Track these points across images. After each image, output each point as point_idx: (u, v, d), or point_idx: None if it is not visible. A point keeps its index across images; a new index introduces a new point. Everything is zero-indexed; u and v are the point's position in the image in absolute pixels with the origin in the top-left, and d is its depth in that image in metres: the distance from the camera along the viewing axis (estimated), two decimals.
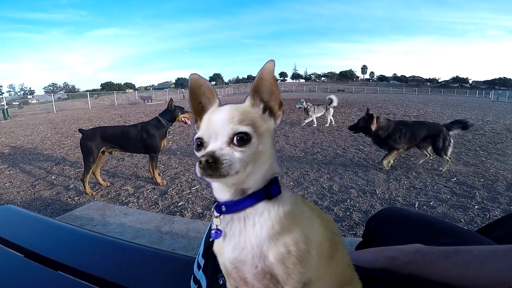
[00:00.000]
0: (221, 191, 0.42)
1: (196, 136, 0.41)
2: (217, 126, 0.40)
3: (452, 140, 4.28)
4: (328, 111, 9.09)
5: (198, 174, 0.37)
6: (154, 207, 3.17)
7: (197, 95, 0.46)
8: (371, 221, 0.95)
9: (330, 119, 9.15)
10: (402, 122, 4.42)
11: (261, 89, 0.43)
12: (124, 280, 0.82)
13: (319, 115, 9.09)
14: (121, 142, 3.76)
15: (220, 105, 0.45)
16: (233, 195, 0.41)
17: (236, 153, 0.38)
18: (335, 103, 9.14)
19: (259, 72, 0.41)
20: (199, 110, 0.46)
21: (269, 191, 0.41)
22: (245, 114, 0.41)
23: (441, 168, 4.26)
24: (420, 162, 4.61)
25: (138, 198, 3.43)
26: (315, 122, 8.93)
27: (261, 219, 0.39)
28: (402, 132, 4.28)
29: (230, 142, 0.38)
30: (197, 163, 0.36)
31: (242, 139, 0.38)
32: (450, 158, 4.27)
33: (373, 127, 4.28)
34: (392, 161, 4.40)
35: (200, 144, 0.41)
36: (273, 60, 0.40)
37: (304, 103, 8.86)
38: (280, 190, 0.42)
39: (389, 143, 4.31)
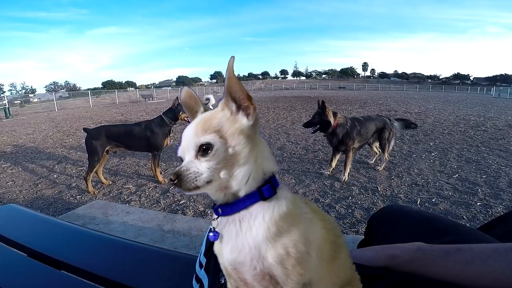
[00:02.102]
0: (214, 195, 0.43)
1: (178, 153, 0.43)
2: (186, 141, 0.41)
3: (395, 133, 4.16)
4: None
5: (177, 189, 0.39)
6: (156, 206, 3.18)
7: (190, 106, 0.48)
8: (373, 218, 0.95)
9: None
10: (356, 118, 4.00)
11: (231, 89, 0.42)
12: (127, 279, 0.82)
13: None
14: (125, 140, 3.77)
15: (202, 113, 0.46)
16: (226, 199, 0.42)
17: (203, 164, 0.39)
18: (212, 102, 7.30)
19: (226, 72, 0.41)
20: None
21: (263, 192, 0.41)
22: (208, 123, 0.41)
23: (378, 168, 4.16)
24: (372, 161, 4.47)
25: (140, 197, 3.44)
26: None
27: (256, 222, 0.39)
28: (358, 129, 3.87)
29: (197, 154, 0.40)
30: None
31: (205, 148, 0.39)
32: (388, 156, 4.17)
33: (331, 120, 3.68)
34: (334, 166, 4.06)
35: (181, 159, 0.43)
36: (233, 56, 0.40)
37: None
38: (275, 191, 0.41)
39: (347, 142, 3.80)
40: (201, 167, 0.39)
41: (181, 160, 0.42)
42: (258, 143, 0.42)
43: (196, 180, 0.38)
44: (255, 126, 0.42)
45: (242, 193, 0.41)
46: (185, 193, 0.39)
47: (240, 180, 0.40)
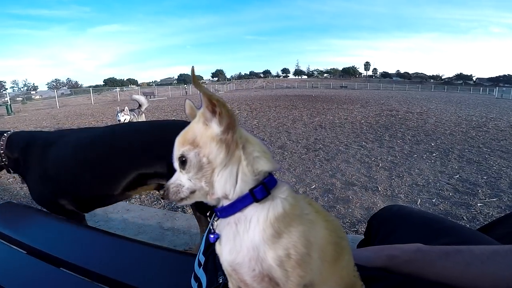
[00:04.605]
0: (208, 201, 0.44)
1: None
2: (173, 155, 0.43)
3: None
4: (140, 118, 6.40)
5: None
6: (156, 203, 3.18)
7: (193, 117, 0.48)
8: (373, 218, 0.95)
9: None
10: None
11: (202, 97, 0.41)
12: (126, 277, 0.82)
13: None
14: None
15: None
16: (220, 204, 0.42)
17: (184, 176, 0.42)
18: (145, 106, 6.60)
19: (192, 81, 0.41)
20: None
21: (255, 194, 0.40)
22: (185, 135, 0.43)
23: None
24: None
25: (140, 194, 3.44)
26: None
27: (252, 225, 0.39)
28: None
29: (180, 167, 0.42)
30: None
31: (182, 162, 0.41)
32: None
33: None
34: None
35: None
36: (193, 66, 0.43)
37: (122, 114, 5.78)
38: (269, 192, 0.40)
39: None
40: (183, 179, 0.42)
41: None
42: (240, 145, 0.41)
43: (179, 192, 0.41)
44: (230, 129, 0.41)
45: (232, 197, 0.41)
46: (177, 204, 0.43)
47: (224, 185, 0.40)
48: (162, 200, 0.51)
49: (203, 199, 0.43)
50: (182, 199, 0.42)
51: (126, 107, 5.85)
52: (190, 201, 0.42)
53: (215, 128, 0.41)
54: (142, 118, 6.37)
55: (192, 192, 0.41)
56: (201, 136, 0.41)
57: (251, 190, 0.40)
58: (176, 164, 0.42)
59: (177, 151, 0.42)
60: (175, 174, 0.43)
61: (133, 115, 6.05)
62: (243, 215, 0.40)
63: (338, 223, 0.47)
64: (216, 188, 0.41)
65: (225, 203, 0.42)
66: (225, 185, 0.41)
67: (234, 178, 0.40)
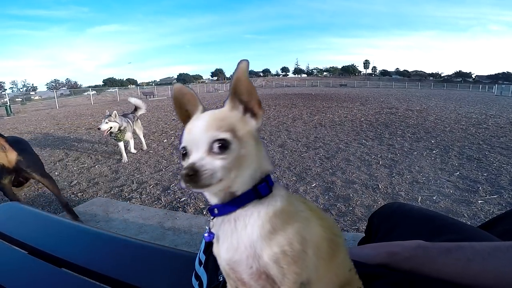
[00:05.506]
0: (211, 196, 0.42)
1: (181, 146, 0.41)
2: (196, 135, 0.40)
3: None
4: (136, 124, 5.61)
5: (183, 186, 0.37)
6: (156, 203, 3.18)
7: (182, 103, 0.46)
8: (374, 216, 0.95)
9: (141, 141, 5.81)
10: None
11: (239, 91, 0.42)
12: (127, 276, 0.82)
13: (129, 134, 5.24)
14: None
15: (203, 111, 0.45)
16: (222, 199, 0.41)
17: (217, 161, 0.38)
18: (142, 111, 5.95)
19: (235, 74, 0.41)
20: (186, 118, 0.46)
21: (259, 190, 0.41)
22: (223, 120, 0.40)
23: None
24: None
25: (141, 194, 3.44)
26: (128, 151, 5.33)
27: (251, 220, 0.39)
28: None
29: (210, 151, 0.38)
30: (180, 176, 0.37)
31: (221, 146, 0.38)
32: None
33: None
34: None
35: (184, 154, 0.41)
36: (247, 60, 0.40)
37: (106, 120, 4.77)
38: (271, 189, 0.41)
39: None
40: (215, 165, 0.38)
41: (184, 153, 0.41)
42: (260, 144, 0.43)
43: (212, 178, 0.37)
44: (258, 128, 0.43)
45: (239, 192, 0.41)
46: (194, 190, 0.38)
47: (243, 180, 0.40)
48: (183, 184, 0.39)
49: (217, 190, 0.40)
50: (209, 185, 0.37)
51: (115, 112, 4.90)
52: (211, 190, 0.39)
53: (253, 124, 0.42)
54: (138, 124, 5.71)
55: (220, 180, 0.38)
56: (240, 128, 0.40)
57: (255, 187, 0.41)
58: (202, 146, 0.39)
59: (213, 133, 0.39)
60: (199, 157, 0.38)
61: (126, 121, 5.10)
62: (243, 211, 0.40)
63: (332, 220, 0.47)
64: (238, 181, 0.40)
65: (227, 198, 0.41)
66: (245, 180, 0.40)
67: (251, 175, 0.41)
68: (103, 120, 4.75)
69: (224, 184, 0.39)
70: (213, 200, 0.42)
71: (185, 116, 0.46)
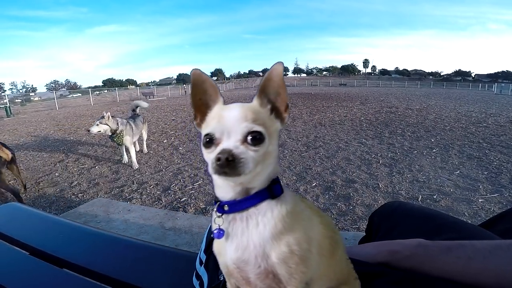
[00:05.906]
0: (225, 190, 0.41)
1: (206, 132, 0.40)
2: (230, 123, 0.39)
3: None
4: (144, 127, 5.54)
5: (213, 172, 0.36)
6: (157, 203, 3.18)
7: (199, 90, 0.44)
8: (374, 215, 0.95)
9: (142, 144, 5.63)
10: None
11: (269, 90, 0.42)
12: (128, 276, 0.82)
13: (128, 139, 4.75)
14: None
15: (225, 103, 0.44)
16: (237, 195, 0.41)
17: (250, 152, 0.37)
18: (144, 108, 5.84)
19: (268, 73, 0.41)
20: (198, 106, 0.44)
21: (273, 190, 0.41)
22: (257, 114, 0.40)
23: None
24: None
25: (141, 194, 3.45)
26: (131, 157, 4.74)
27: (264, 219, 0.39)
28: None
29: (244, 141, 0.38)
30: (214, 160, 0.36)
31: (255, 138, 0.38)
32: None
33: None
34: None
35: (210, 141, 0.39)
36: (282, 62, 0.40)
37: (97, 123, 4.48)
38: (283, 190, 0.42)
39: None
40: (248, 155, 0.37)
41: (208, 140, 0.39)
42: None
43: (246, 167, 0.36)
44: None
45: (255, 190, 0.40)
46: (226, 177, 0.37)
47: (262, 177, 0.40)
48: (215, 171, 0.35)
49: (241, 181, 0.39)
50: (243, 174, 0.36)
51: (108, 114, 4.54)
52: (240, 180, 0.38)
53: (278, 124, 0.43)
54: (145, 127, 5.58)
55: (250, 171, 0.37)
56: (270, 125, 0.41)
57: (269, 186, 0.41)
58: (237, 135, 0.38)
59: (249, 124, 0.38)
60: (234, 145, 0.37)
61: (126, 123, 4.75)
62: (256, 210, 0.40)
63: (329, 218, 0.48)
64: (259, 177, 0.40)
65: (240, 196, 0.41)
66: (263, 177, 0.41)
67: (268, 173, 0.41)
68: (95, 122, 4.53)
69: (250, 176, 0.38)
70: (226, 195, 0.41)
71: (198, 104, 0.44)
